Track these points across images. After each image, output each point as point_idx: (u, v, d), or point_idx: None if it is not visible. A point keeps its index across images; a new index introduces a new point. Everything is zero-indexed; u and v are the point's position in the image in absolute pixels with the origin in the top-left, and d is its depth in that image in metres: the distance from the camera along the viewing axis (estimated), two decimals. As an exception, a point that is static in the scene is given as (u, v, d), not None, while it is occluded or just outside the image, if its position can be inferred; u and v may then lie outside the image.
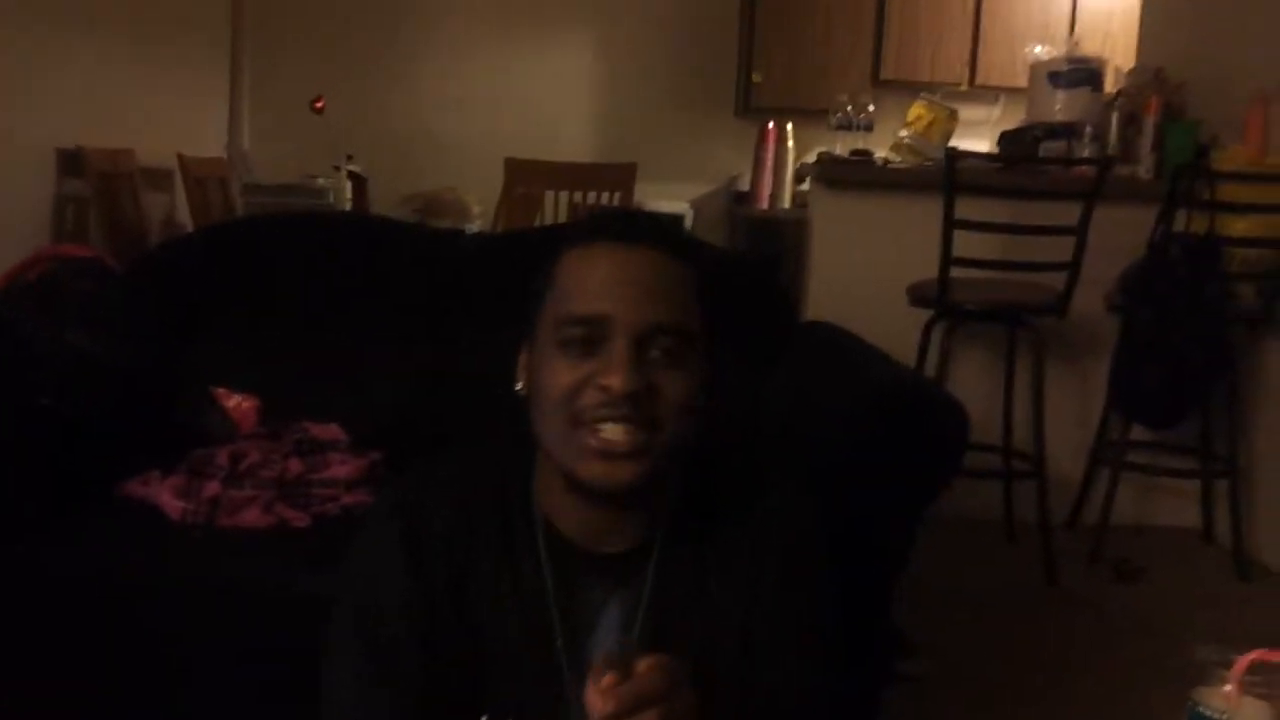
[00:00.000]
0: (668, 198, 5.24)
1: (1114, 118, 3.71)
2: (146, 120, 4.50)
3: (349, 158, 4.09)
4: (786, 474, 1.17)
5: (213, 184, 4.31)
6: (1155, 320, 3.18)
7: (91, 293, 2.20)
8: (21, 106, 3.79)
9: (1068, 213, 3.10)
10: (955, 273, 3.13)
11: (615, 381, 0.97)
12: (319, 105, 4.11)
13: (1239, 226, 3.18)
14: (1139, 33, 4.41)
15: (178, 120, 4.84)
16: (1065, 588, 3.12)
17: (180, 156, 4.31)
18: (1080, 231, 3.11)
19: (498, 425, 1.09)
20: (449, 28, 5.66)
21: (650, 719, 0.85)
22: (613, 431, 0.98)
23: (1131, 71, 4.04)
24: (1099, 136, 3.69)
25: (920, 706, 2.24)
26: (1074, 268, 3.13)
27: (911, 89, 4.75)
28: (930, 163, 3.75)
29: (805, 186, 4.68)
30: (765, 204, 5.20)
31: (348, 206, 3.88)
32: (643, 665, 0.87)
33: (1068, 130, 3.69)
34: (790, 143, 5.19)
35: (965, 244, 3.09)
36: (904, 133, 4.09)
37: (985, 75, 5.43)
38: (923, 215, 3.20)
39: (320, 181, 3.92)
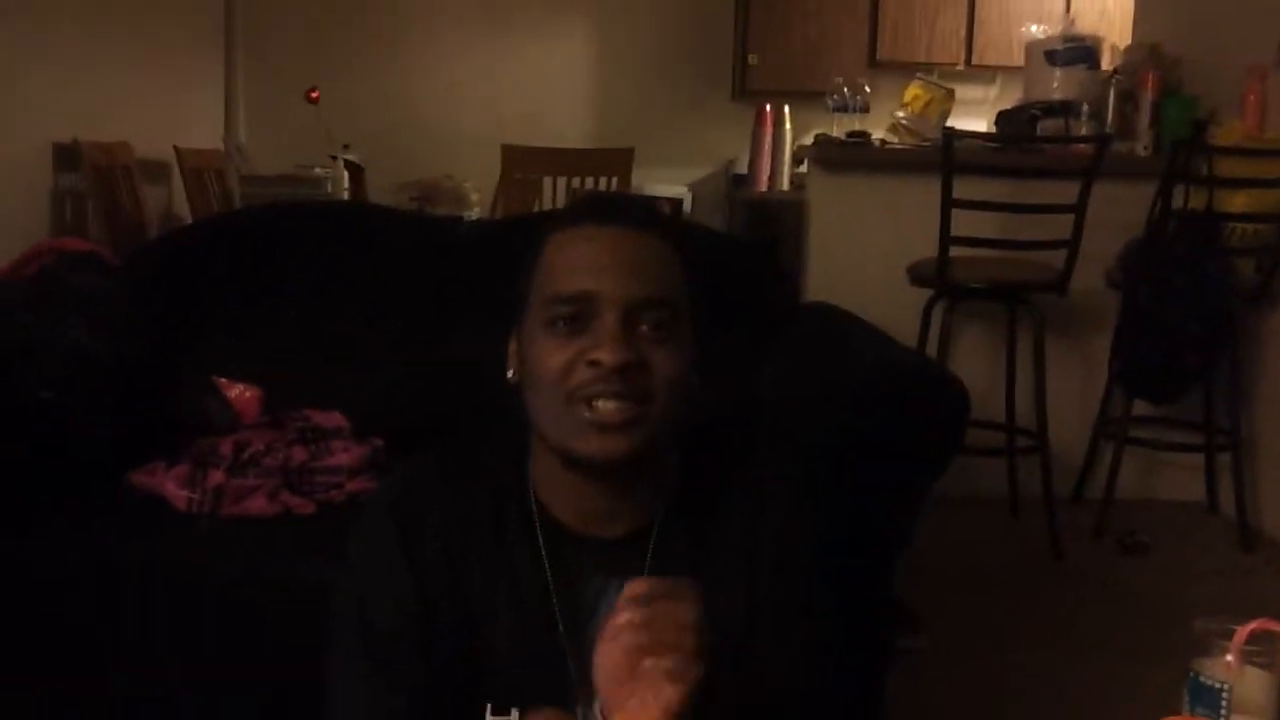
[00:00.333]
0: (665, 182, 5.23)
1: (1111, 95, 3.70)
2: (142, 113, 4.49)
3: (345, 147, 4.07)
4: (785, 454, 1.17)
5: (209, 176, 4.30)
6: (1154, 296, 3.18)
7: (91, 286, 2.20)
8: (16, 101, 3.78)
9: (1066, 191, 3.10)
10: (955, 252, 3.13)
11: (605, 356, 0.97)
12: (314, 95, 4.08)
13: (1237, 201, 3.18)
14: (1134, 9, 4.39)
15: (173, 113, 4.83)
16: (1070, 562, 3.13)
17: (176, 149, 4.31)
18: (1079, 209, 3.11)
19: (492, 414, 1.10)
20: (443, 15, 5.65)
21: (685, 639, 0.86)
22: (605, 405, 0.98)
23: (1128, 48, 4.04)
24: (1096, 114, 3.68)
25: (925, 681, 2.25)
26: (1073, 245, 3.13)
27: (908, 70, 4.74)
28: (927, 143, 3.75)
29: (803, 168, 4.67)
30: (763, 186, 5.19)
31: (345, 196, 3.87)
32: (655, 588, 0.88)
33: (1065, 108, 3.68)
34: (787, 125, 5.17)
35: (964, 223, 3.09)
36: (900, 113, 4.08)
37: (981, 55, 5.42)
38: (921, 195, 3.20)
39: (317, 171, 3.91)
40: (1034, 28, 4.12)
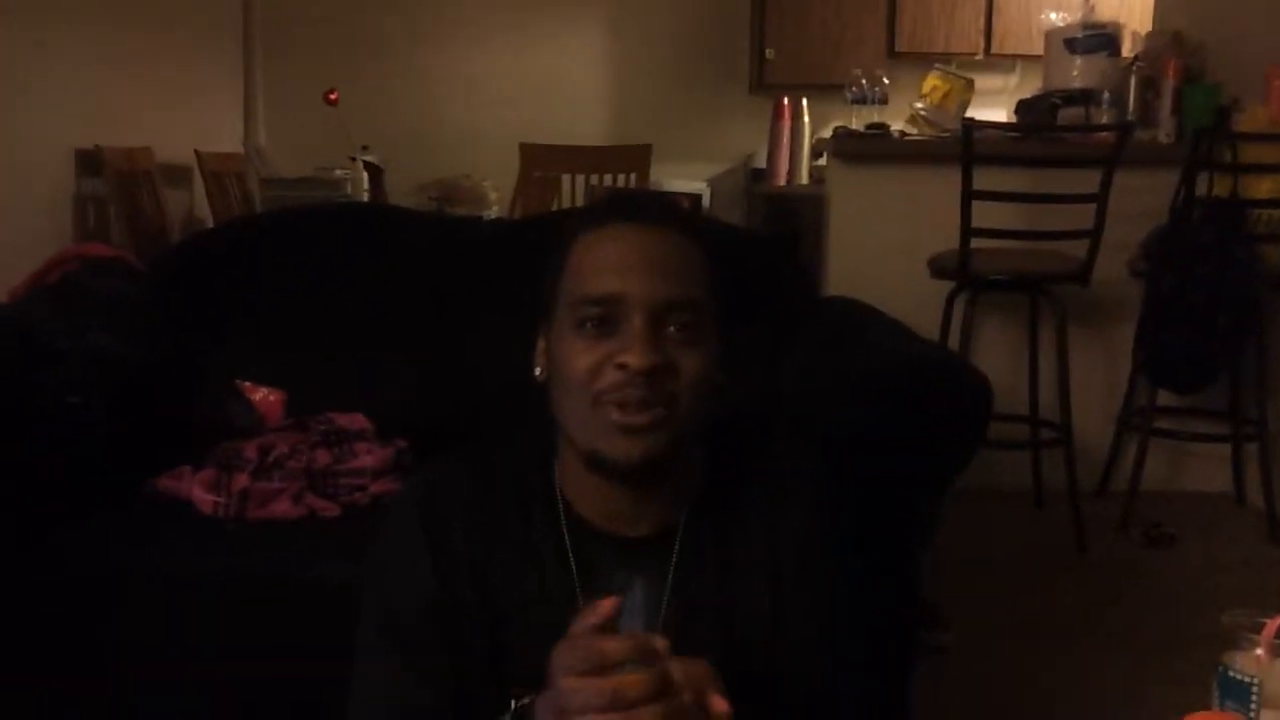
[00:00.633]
0: (684, 177, 5.22)
1: (1132, 82, 3.67)
2: (163, 118, 4.52)
3: (364, 148, 4.08)
4: (806, 450, 1.17)
5: (230, 179, 4.33)
6: (1178, 285, 3.15)
7: (114, 291, 2.22)
8: (39, 108, 3.81)
9: (1088, 180, 3.08)
10: (976, 243, 3.11)
11: (633, 359, 0.97)
12: (333, 97, 4.10)
13: (1263, 187, 3.15)
14: (1155, -5, 4.36)
15: (193, 117, 4.86)
16: (1096, 555, 3.11)
17: (197, 153, 4.34)
18: (1101, 198, 3.08)
19: (514, 414, 1.10)
20: (459, 15, 5.65)
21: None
22: (633, 408, 0.98)
23: (1149, 35, 4.01)
24: (1118, 102, 3.65)
25: (949, 677, 2.24)
26: (1095, 235, 3.11)
27: (926, 60, 4.72)
28: (947, 134, 3.73)
29: (822, 162, 4.65)
30: (783, 180, 5.17)
31: (365, 197, 3.88)
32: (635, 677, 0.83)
33: (1086, 96, 3.65)
34: (805, 118, 5.15)
35: (985, 214, 3.07)
36: (920, 104, 4.06)
37: (1001, 44, 5.38)
38: (941, 187, 3.18)
39: (337, 173, 3.92)
40: (1053, 16, 4.09)
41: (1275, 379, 3.37)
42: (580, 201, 4.12)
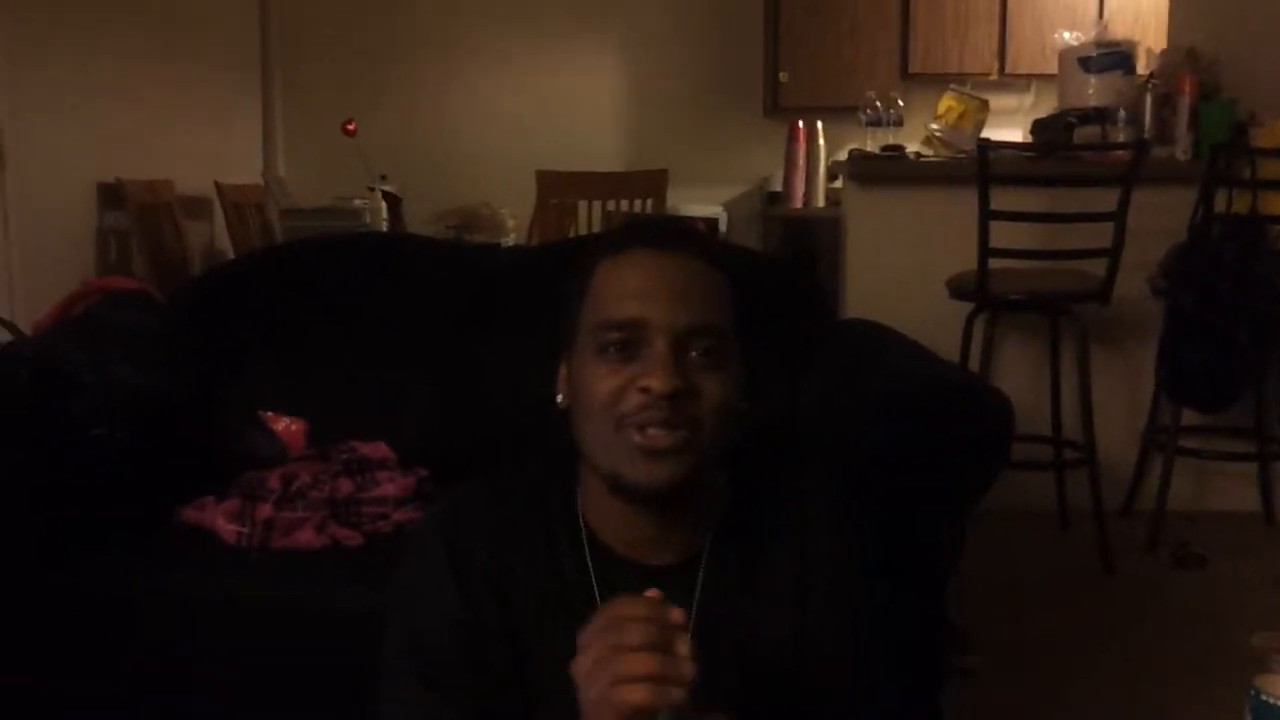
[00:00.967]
0: (700, 201, 5.23)
1: (1148, 100, 3.66)
2: (183, 151, 4.57)
3: (383, 178, 4.12)
4: (829, 474, 1.17)
5: (250, 210, 4.37)
6: (1199, 302, 3.13)
7: (137, 323, 2.23)
8: (61, 142, 3.86)
9: (1105, 198, 3.07)
10: (994, 264, 3.10)
11: (656, 382, 0.98)
12: (351, 127, 4.14)
13: (1283, 203, 3.13)
14: (1169, 12, 4.36)
15: (213, 149, 4.91)
16: (1123, 576, 3.08)
17: (217, 184, 4.38)
18: (1119, 217, 3.07)
19: (535, 440, 1.10)
20: (474, 45, 5.70)
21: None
22: (655, 432, 0.98)
23: (1163, 52, 3.99)
24: (1134, 120, 3.64)
25: (978, 700, 2.22)
26: (1114, 253, 3.10)
27: (941, 81, 4.72)
28: (963, 154, 3.73)
29: (838, 184, 4.66)
30: (799, 203, 5.18)
31: (384, 226, 3.91)
32: None
33: (1101, 115, 3.65)
34: (821, 141, 5.17)
35: (1003, 234, 3.06)
36: (935, 125, 4.06)
37: (1015, 63, 5.38)
38: (958, 208, 3.18)
39: (356, 203, 3.95)
40: (1067, 34, 4.08)
41: (1300, 396, 3.34)
42: (597, 227, 4.14)
